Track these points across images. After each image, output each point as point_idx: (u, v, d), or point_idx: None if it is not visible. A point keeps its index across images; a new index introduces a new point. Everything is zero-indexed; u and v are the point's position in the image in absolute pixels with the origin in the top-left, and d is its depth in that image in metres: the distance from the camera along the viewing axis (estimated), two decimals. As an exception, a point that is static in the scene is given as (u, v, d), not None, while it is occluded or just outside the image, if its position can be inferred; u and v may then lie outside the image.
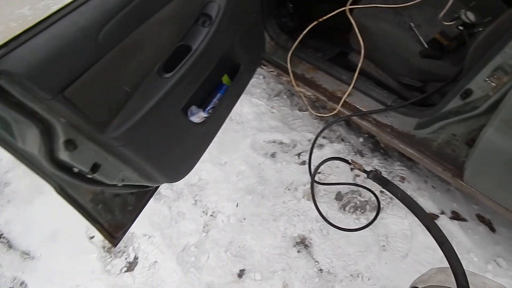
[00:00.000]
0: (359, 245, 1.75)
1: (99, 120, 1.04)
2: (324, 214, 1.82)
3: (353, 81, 1.76)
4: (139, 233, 2.01)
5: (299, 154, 2.14)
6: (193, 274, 1.82)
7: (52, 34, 0.84)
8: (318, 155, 2.03)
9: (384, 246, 1.74)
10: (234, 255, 1.84)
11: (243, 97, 2.37)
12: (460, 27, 1.50)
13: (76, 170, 1.21)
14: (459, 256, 0.87)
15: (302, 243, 1.82)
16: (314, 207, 1.87)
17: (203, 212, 2.02)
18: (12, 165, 2.34)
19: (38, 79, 0.83)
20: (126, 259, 1.95)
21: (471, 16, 1.47)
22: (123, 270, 1.91)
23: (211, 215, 2.00)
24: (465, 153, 1.36)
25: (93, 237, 2.06)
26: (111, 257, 1.98)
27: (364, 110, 1.72)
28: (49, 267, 1.96)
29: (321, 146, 2.12)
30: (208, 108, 1.54)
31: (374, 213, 1.78)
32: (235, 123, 2.33)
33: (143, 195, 1.60)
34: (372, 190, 1.83)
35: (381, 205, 1.82)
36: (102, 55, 0.96)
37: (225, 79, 1.65)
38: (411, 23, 1.64)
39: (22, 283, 1.93)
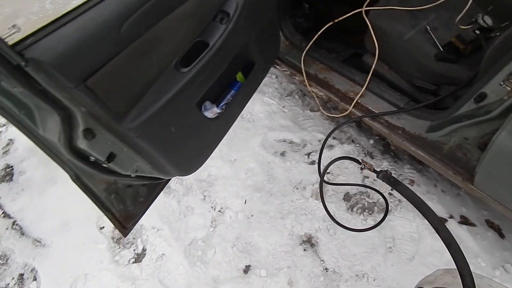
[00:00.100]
0: (366, 246, 1.76)
1: (118, 111, 1.07)
2: (331, 214, 1.84)
3: (366, 82, 1.77)
4: (148, 226, 2.04)
5: (308, 154, 2.15)
6: (200, 268, 1.85)
7: (78, 25, 0.87)
8: (328, 156, 2.04)
9: (390, 248, 1.74)
10: (240, 251, 1.86)
11: (255, 96, 2.39)
12: (477, 31, 1.50)
13: (92, 159, 1.24)
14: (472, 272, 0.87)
15: (309, 242, 1.83)
16: (321, 207, 1.89)
17: (212, 207, 2.04)
18: (27, 154, 2.40)
19: (63, 68, 0.86)
20: (134, 250, 1.99)
21: (488, 21, 1.47)
22: (131, 261, 1.95)
23: (219, 211, 2.02)
24: (476, 157, 1.36)
25: (103, 227, 2.09)
26: (119, 248, 2.01)
27: (376, 112, 1.73)
28: (59, 255, 2.00)
29: (331, 146, 2.13)
30: (222, 104, 1.56)
31: (381, 215, 1.79)
32: (246, 121, 2.35)
33: (154, 187, 1.63)
34: (381, 191, 1.84)
35: (389, 207, 1.83)
36: (123, 48, 0.99)
37: (239, 76, 1.67)
38: (427, 26, 1.65)
39: (32, 269, 1.97)
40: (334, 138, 2.17)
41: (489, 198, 1.39)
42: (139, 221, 1.77)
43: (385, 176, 1.20)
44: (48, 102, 0.95)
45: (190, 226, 2.00)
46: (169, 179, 1.71)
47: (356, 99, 1.78)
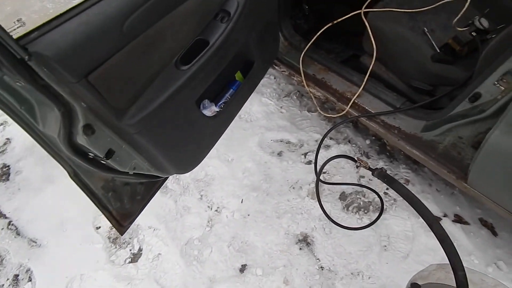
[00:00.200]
0: (361, 244, 1.77)
1: (118, 107, 1.07)
2: (327, 213, 1.85)
3: (364, 83, 1.80)
4: (144, 225, 2.04)
5: (305, 154, 2.17)
6: (196, 267, 1.85)
7: (81, 20, 0.88)
8: (324, 156, 2.06)
9: (385, 246, 1.76)
10: (236, 250, 1.87)
11: (253, 96, 2.41)
12: (473, 33, 1.53)
13: (91, 156, 1.25)
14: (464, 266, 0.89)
15: (304, 241, 1.85)
16: (317, 206, 1.90)
17: (208, 207, 2.05)
18: (24, 154, 2.39)
19: (66, 63, 0.87)
20: (130, 250, 1.98)
21: (484, 23, 1.51)
22: (127, 261, 1.94)
23: (216, 210, 2.03)
24: (470, 156, 1.39)
25: (99, 227, 2.09)
26: (116, 247, 2.01)
27: (373, 112, 1.75)
28: (55, 255, 1.99)
29: (328, 147, 2.15)
30: (220, 102, 1.57)
31: (377, 214, 1.81)
32: (244, 121, 2.36)
33: (151, 186, 1.64)
34: (377, 191, 1.86)
35: (385, 206, 1.85)
36: (125, 44, 1.00)
37: (238, 75, 1.68)
38: (425, 28, 1.68)
39: (28, 270, 1.96)
40: (331, 138, 2.19)
41: (482, 196, 1.42)
42: (136, 220, 1.77)
43: (380, 174, 1.21)
44: (50, 97, 0.95)
45: (186, 225, 2.00)
46: (167, 178, 1.72)
47: (353, 99, 1.81)
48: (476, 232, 1.74)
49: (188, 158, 1.50)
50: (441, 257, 0.91)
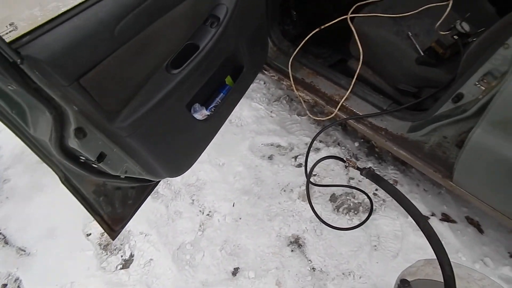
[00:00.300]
0: (352, 244, 1.80)
1: (109, 110, 1.08)
2: (318, 214, 1.88)
3: (351, 86, 1.84)
4: (136, 231, 2.03)
5: (295, 157, 2.19)
6: (188, 272, 1.85)
7: (73, 25, 0.90)
8: (314, 158, 2.09)
9: (375, 246, 1.79)
10: (229, 254, 1.88)
11: (243, 101, 2.44)
12: (455, 37, 1.59)
13: (82, 159, 1.25)
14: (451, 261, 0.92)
15: (296, 243, 1.86)
16: (308, 208, 1.92)
17: (200, 211, 2.06)
18: (13, 162, 2.37)
19: (58, 66, 0.88)
20: (122, 256, 1.97)
21: (466, 27, 1.57)
22: (119, 267, 1.93)
23: (208, 214, 2.03)
24: (455, 155, 1.43)
25: (90, 234, 2.08)
26: (107, 254, 1.99)
27: (361, 114, 1.79)
28: (44, 264, 1.97)
29: (318, 149, 2.18)
30: (211, 106, 1.59)
31: (366, 214, 1.85)
32: (234, 126, 2.38)
33: (143, 190, 1.64)
34: (366, 192, 1.90)
35: (374, 207, 1.88)
36: (117, 48, 1.01)
37: (228, 80, 1.70)
38: (409, 32, 1.73)
39: (16, 279, 1.93)
40: (320, 141, 2.22)
41: (468, 194, 1.46)
42: (127, 226, 1.77)
43: (368, 173, 1.25)
44: (41, 100, 0.96)
45: (178, 230, 2.00)
46: (158, 182, 1.72)
47: (341, 102, 1.84)
48: (463, 230, 1.78)
49: (179, 161, 1.51)
50: (430, 255, 0.94)
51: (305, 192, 1.97)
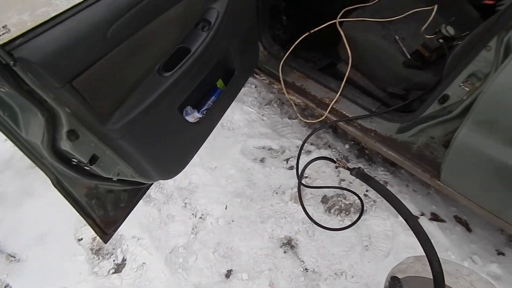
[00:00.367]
0: (343, 245, 1.82)
1: (102, 112, 1.09)
2: (310, 215, 1.90)
3: (341, 89, 1.87)
4: (128, 235, 2.03)
5: (287, 160, 2.21)
6: (181, 275, 1.85)
7: (66, 27, 0.91)
8: (305, 161, 2.11)
9: (367, 246, 1.81)
10: (222, 256, 1.88)
11: (235, 105, 2.46)
12: (441, 40, 1.63)
13: (74, 162, 1.25)
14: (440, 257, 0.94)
15: (289, 244, 1.88)
16: (300, 210, 1.95)
17: (192, 214, 2.06)
18: (2, 168, 2.35)
19: (51, 68, 0.89)
20: (114, 261, 1.97)
21: (450, 30, 1.61)
22: (111, 271, 1.93)
23: (200, 217, 2.04)
24: (442, 155, 1.46)
25: (81, 239, 2.07)
26: (99, 259, 1.99)
27: (350, 116, 1.82)
28: (35, 270, 1.95)
29: (309, 152, 2.20)
30: (203, 109, 1.60)
31: (357, 215, 1.87)
32: (226, 130, 2.40)
33: (135, 193, 1.64)
34: (357, 193, 1.92)
35: (365, 207, 1.91)
36: (109, 50, 1.02)
37: (220, 83, 1.72)
38: (396, 36, 1.77)
39: (6, 286, 1.91)
40: (311, 144, 2.25)
41: (455, 193, 1.49)
42: (119, 230, 1.76)
43: (358, 173, 1.27)
44: (34, 103, 0.97)
45: (171, 234, 2.00)
46: (150, 185, 1.72)
47: (331, 104, 1.87)
48: (451, 229, 1.81)
49: (171, 163, 1.52)
50: (420, 253, 0.97)
51: (297, 194, 2.00)
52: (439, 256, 1.02)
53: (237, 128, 2.41)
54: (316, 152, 2.19)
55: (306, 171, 2.11)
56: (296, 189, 2.03)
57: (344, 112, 1.86)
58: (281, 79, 2.05)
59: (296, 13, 2.30)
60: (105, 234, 1.54)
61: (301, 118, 2.23)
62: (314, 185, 2.06)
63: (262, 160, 2.23)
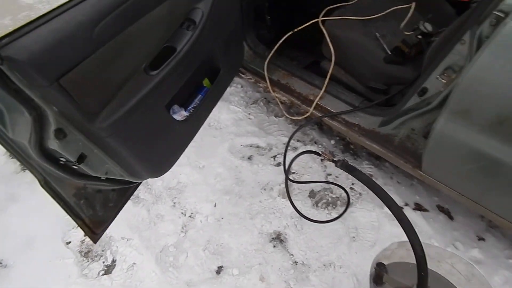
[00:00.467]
0: (331, 237, 1.86)
1: (89, 111, 1.10)
2: (298, 209, 1.94)
3: (325, 86, 1.92)
4: (117, 236, 2.02)
5: (274, 157, 2.25)
6: (172, 273, 1.85)
7: (53, 27, 0.92)
8: (292, 157, 2.15)
9: (354, 237, 1.86)
10: (212, 253, 1.90)
11: (221, 105, 2.48)
12: (419, 36, 1.70)
13: (62, 162, 1.26)
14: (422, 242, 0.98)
15: (278, 238, 1.91)
16: (289, 205, 1.98)
17: (182, 213, 2.07)
18: (-15, 173, 2.31)
19: (38, 66, 0.90)
20: (103, 262, 1.96)
21: (428, 27, 1.68)
22: (101, 273, 1.91)
23: (190, 216, 2.05)
24: (422, 145, 1.52)
25: (69, 242, 2.05)
26: (88, 261, 1.97)
27: (335, 112, 1.87)
28: (23, 275, 1.92)
29: (296, 148, 2.24)
30: (190, 108, 1.62)
31: (344, 208, 1.92)
32: (213, 129, 2.42)
33: (124, 192, 1.64)
34: (343, 186, 1.97)
35: (351, 200, 1.96)
36: (95, 50, 1.04)
37: (206, 82, 1.75)
38: (377, 33, 1.83)
39: (-6, 292, 1.88)
40: (298, 140, 2.29)
41: (436, 181, 1.55)
42: (108, 232, 1.76)
43: (343, 164, 1.31)
44: (21, 102, 0.97)
45: (160, 233, 2.00)
46: (139, 184, 1.73)
47: (316, 101, 1.92)
48: (434, 217, 1.88)
49: (160, 161, 1.54)
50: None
51: (285, 190, 2.03)
52: (421, 241, 1.07)
53: (224, 127, 2.43)
54: (302, 149, 2.23)
55: (293, 167, 2.15)
56: (284, 185, 2.07)
57: (328, 108, 1.91)
58: (267, 77, 2.09)
59: (280, 13, 2.34)
60: (95, 234, 1.54)
61: (287, 116, 2.26)
62: (302, 180, 2.10)
63: (249, 158, 2.26)
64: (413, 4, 1.81)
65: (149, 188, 2.18)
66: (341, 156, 2.19)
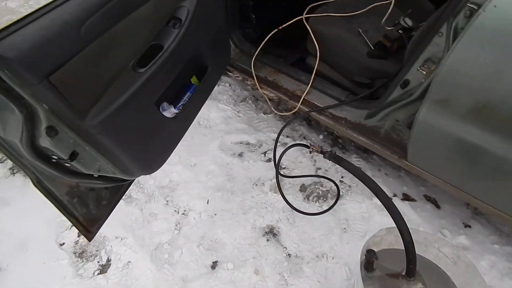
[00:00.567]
0: (323, 229, 1.90)
1: (79, 108, 1.12)
2: (290, 203, 1.97)
3: (311, 81, 1.96)
4: (111, 236, 2.03)
5: (265, 153, 2.28)
6: (167, 270, 1.87)
7: (40, 25, 0.94)
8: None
9: (345, 228, 1.90)
10: (206, 249, 1.92)
11: (210, 103, 2.51)
12: (400, 31, 1.75)
13: (54, 159, 1.27)
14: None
15: (271, 232, 1.94)
16: (280, 199, 2.01)
17: (175, 211, 2.09)
18: (-24, 177, 2.30)
19: (27, 64, 0.92)
20: (98, 262, 1.96)
21: (408, 22, 1.73)
22: (96, 273, 1.92)
23: (183, 213, 2.07)
24: (407, 136, 1.57)
25: (63, 243, 2.05)
26: (83, 261, 1.98)
27: (322, 106, 1.91)
28: (17, 278, 1.92)
29: (285, 144, 2.28)
30: (179, 105, 1.65)
31: (334, 200, 1.96)
32: (203, 127, 2.45)
33: (117, 190, 1.66)
34: (333, 179, 2.01)
35: (341, 192, 2.01)
36: (83, 47, 1.06)
37: (194, 80, 1.77)
38: (359, 29, 1.89)
39: (-13, 296, 1.88)
40: (287, 136, 2.33)
41: (421, 171, 1.60)
42: (102, 232, 1.76)
43: (331, 155, 1.35)
44: (12, 100, 0.99)
45: (154, 231, 2.02)
46: (131, 182, 1.75)
47: (303, 96, 1.96)
48: (422, 207, 1.93)
49: (151, 158, 1.56)
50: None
51: (276, 185, 2.07)
52: (408, 226, 1.11)
53: (214, 125, 2.46)
54: (292, 144, 2.27)
55: (283, 162, 2.19)
56: (275, 180, 2.10)
57: (315, 103, 1.95)
58: (254, 74, 2.13)
59: (265, 11, 2.38)
60: (89, 232, 1.56)
61: (276, 112, 2.30)
62: (292, 174, 2.14)
63: (240, 155, 2.29)
64: (393, 0, 1.86)
65: (141, 188, 2.20)
66: (330, 150, 2.23)
